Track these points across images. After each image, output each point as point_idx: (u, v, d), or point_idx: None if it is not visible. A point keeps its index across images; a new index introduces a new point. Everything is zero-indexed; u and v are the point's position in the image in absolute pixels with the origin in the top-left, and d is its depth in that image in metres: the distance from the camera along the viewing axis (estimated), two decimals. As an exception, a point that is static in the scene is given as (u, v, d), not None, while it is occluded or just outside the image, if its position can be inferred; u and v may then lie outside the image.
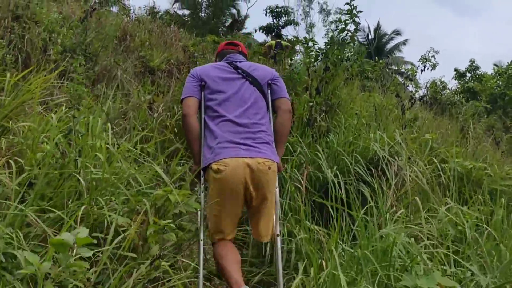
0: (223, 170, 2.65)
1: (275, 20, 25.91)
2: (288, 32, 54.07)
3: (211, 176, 2.73)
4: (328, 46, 4.58)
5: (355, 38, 4.53)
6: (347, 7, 4.50)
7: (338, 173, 4.26)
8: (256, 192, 2.74)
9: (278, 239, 2.84)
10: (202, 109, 3.00)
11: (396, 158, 4.43)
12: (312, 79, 4.72)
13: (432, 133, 6.73)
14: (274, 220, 2.91)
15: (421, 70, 6.93)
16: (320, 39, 44.44)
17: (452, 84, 15.41)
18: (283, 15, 26.35)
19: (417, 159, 4.63)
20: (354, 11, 4.48)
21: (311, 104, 4.93)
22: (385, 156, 4.40)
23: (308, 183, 4.17)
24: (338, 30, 4.58)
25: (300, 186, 3.76)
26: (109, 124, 3.64)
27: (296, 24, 28.99)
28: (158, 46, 10.89)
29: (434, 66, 6.97)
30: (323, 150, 4.65)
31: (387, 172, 4.28)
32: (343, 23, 4.56)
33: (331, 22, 32.96)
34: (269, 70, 3.22)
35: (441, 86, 14.13)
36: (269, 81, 3.09)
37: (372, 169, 4.40)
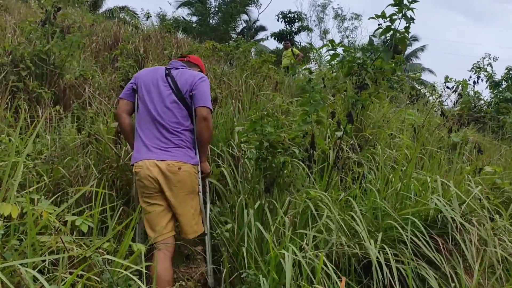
0: (138, 171, 2.97)
1: (288, 26, 24.48)
2: (302, 38, 52.42)
3: (134, 175, 3.08)
4: (368, 54, 3.09)
5: (407, 40, 3.03)
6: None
7: (386, 247, 2.78)
8: (170, 192, 2.95)
9: (206, 238, 3.18)
10: (136, 109, 3.24)
11: (474, 221, 2.91)
12: (339, 100, 3.26)
13: (493, 165, 5.20)
14: (202, 219, 3.14)
15: (474, 82, 5.39)
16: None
17: (486, 94, 13.71)
18: (296, 20, 24.93)
19: (502, 220, 3.09)
20: (405, 1, 3.00)
21: (339, 136, 3.45)
22: (456, 219, 2.90)
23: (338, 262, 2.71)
24: (381, 30, 3.08)
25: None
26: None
27: (310, 30, 27.52)
28: (155, 54, 9.58)
29: (490, 77, 5.42)
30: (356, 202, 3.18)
31: (464, 247, 2.77)
32: (388, 18, 3.08)
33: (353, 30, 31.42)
34: (192, 77, 3.20)
35: (474, 97, 12.53)
36: (190, 90, 3.14)
37: (437, 238, 2.90)
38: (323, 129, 3.66)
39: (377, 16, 3.05)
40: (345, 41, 34.20)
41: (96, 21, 11.98)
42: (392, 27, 3.08)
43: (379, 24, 3.06)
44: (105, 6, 25.39)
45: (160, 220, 2.98)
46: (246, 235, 2.68)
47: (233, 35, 24.61)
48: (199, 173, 3.12)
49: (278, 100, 6.10)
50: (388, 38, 3.18)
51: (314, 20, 33.87)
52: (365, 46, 3.05)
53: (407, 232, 2.84)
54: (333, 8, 34.13)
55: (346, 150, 4.12)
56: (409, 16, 3.03)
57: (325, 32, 34.44)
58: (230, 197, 3.37)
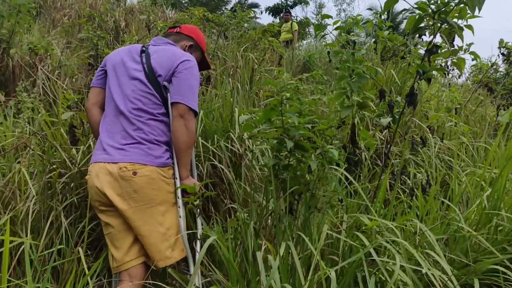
0: (87, 179, 2.30)
1: (283, 0, 23.15)
2: (296, 13, 50.57)
3: None
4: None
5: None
6: None
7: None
8: (125, 206, 2.17)
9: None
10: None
11: None
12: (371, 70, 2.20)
13: None
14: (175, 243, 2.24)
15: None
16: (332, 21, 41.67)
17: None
18: (292, -7, 23.59)
19: None
20: None
21: (386, 124, 2.35)
22: None
23: None
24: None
25: None
26: None
27: (306, 3, 26.17)
28: (140, 29, 8.41)
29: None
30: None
31: None
32: None
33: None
34: (173, 56, 2.36)
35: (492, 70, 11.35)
36: (167, 75, 2.32)
37: None
38: (375, 110, 2.54)
39: None
40: (342, 15, 32.89)
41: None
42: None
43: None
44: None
45: (119, 243, 2.25)
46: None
47: (224, 11, 23.28)
48: (177, 179, 2.29)
49: (285, 77, 4.96)
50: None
51: (309, -6, 32.42)
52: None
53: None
54: (329, -19, 32.57)
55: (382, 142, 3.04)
56: None
57: (321, 6, 33.01)
58: (231, 221, 2.26)
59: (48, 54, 4.14)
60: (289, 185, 2.07)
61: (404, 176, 2.88)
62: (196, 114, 2.31)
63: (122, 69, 2.38)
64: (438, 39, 2.23)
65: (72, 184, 2.61)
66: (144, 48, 2.45)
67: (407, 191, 2.69)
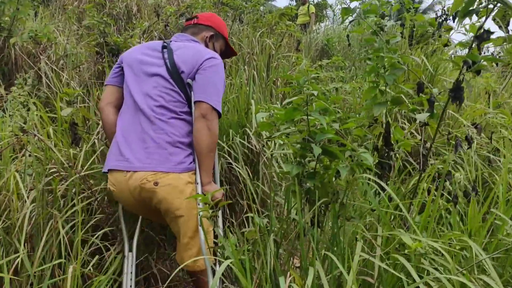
0: (113, 190, 2.14)
1: (299, -19, 22.58)
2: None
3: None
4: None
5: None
6: None
7: None
8: (158, 209, 2.11)
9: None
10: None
11: None
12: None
13: None
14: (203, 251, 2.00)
15: None
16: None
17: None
18: (309, -26, 22.94)
19: None
20: None
21: (422, 121, 2.05)
22: None
23: None
24: None
25: None
26: None
27: (323, -15, 25.49)
28: (152, 14, 8.14)
29: None
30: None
31: None
32: None
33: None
34: (198, 54, 2.21)
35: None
36: (191, 73, 2.18)
37: None
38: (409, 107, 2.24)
39: None
40: (360, -4, 32.14)
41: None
42: None
43: None
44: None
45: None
46: None
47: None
48: (198, 184, 2.09)
49: (304, 64, 4.66)
50: None
51: (327, -25, 31.71)
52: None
53: None
54: (347, -39, 31.78)
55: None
56: None
57: (338, -13, 32.28)
58: (249, 232, 2.00)
59: (52, 42, 3.89)
60: (315, 195, 1.79)
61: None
62: (219, 115, 2.14)
63: (139, 67, 2.25)
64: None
65: (74, 190, 2.37)
66: (165, 44, 2.31)
67: (445, 194, 2.40)
